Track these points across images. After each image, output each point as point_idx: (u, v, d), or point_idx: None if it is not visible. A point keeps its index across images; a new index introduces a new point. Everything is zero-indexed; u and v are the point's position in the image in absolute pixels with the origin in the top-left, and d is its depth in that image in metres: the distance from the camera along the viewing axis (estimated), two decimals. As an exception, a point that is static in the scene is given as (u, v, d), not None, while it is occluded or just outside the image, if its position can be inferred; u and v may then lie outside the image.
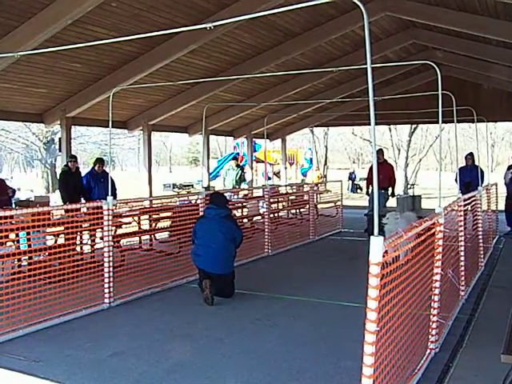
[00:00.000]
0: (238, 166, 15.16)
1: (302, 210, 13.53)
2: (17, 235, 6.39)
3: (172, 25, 7.91)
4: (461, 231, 6.08)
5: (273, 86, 13.90)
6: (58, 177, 11.15)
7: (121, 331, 5.37)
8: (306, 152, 29.00)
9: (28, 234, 6.48)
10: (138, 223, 9.16)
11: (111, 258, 6.28)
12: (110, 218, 6.26)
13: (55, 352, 4.76)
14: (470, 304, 6.09)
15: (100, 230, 6.48)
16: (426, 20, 10.27)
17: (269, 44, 10.81)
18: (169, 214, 8.90)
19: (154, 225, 9.54)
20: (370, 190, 12.33)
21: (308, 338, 5.12)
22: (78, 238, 7.76)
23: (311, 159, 28.32)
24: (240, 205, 11.60)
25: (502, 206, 11.60)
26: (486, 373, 4.16)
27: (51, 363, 4.49)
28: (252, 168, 18.49)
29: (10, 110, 10.77)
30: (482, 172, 10.00)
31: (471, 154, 11.58)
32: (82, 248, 8.00)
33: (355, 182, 30.37)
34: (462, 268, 6.12)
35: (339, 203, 13.12)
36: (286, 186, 15.07)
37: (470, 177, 10.25)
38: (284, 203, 13.32)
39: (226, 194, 7.93)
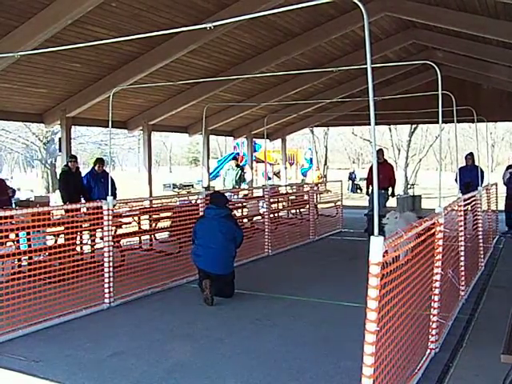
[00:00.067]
0: (237, 166, 15.17)
1: (302, 210, 13.52)
2: (17, 235, 6.40)
3: (172, 25, 7.91)
4: (461, 231, 6.08)
5: (273, 86, 13.90)
6: (58, 177, 11.14)
7: (121, 331, 5.37)
8: (306, 152, 28.99)
9: (28, 234, 6.48)
10: (138, 223, 9.16)
11: (111, 258, 6.28)
12: (110, 217, 6.27)
13: (55, 352, 4.76)
14: (469, 304, 6.09)
15: (100, 229, 6.48)
16: (425, 20, 10.28)
17: (269, 44, 10.81)
18: (169, 214, 8.90)
19: (153, 225, 9.54)
20: (369, 190, 12.33)
21: (308, 338, 5.12)
22: (78, 238, 7.75)
23: (311, 159, 28.31)
24: (240, 205, 11.60)
25: (501, 206, 11.61)
26: (486, 373, 4.16)
27: (51, 363, 4.49)
28: (252, 168, 18.49)
29: (10, 110, 10.77)
30: (481, 172, 10.00)
31: (471, 154, 11.59)
32: (82, 248, 8.00)
33: (355, 182, 30.37)
34: (462, 268, 6.12)
35: (339, 203, 13.13)
36: (286, 186, 15.07)
37: (469, 177, 10.25)
38: (284, 203, 13.31)
39: (225, 194, 7.93)
